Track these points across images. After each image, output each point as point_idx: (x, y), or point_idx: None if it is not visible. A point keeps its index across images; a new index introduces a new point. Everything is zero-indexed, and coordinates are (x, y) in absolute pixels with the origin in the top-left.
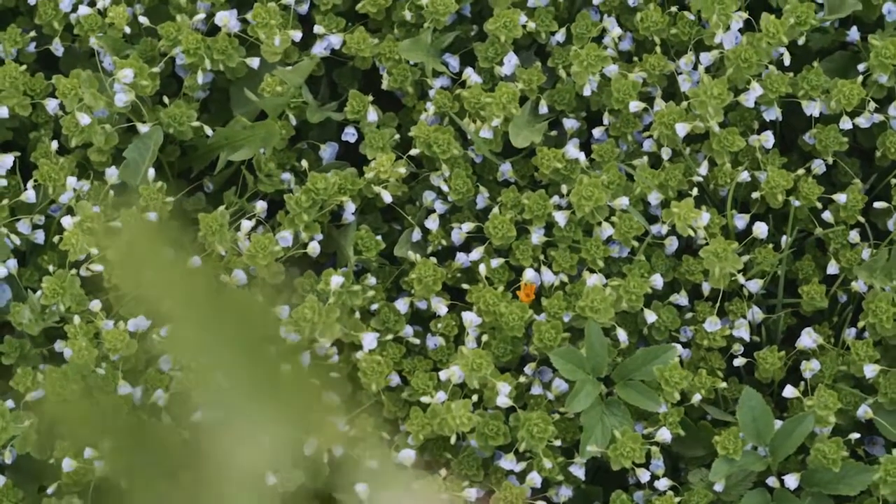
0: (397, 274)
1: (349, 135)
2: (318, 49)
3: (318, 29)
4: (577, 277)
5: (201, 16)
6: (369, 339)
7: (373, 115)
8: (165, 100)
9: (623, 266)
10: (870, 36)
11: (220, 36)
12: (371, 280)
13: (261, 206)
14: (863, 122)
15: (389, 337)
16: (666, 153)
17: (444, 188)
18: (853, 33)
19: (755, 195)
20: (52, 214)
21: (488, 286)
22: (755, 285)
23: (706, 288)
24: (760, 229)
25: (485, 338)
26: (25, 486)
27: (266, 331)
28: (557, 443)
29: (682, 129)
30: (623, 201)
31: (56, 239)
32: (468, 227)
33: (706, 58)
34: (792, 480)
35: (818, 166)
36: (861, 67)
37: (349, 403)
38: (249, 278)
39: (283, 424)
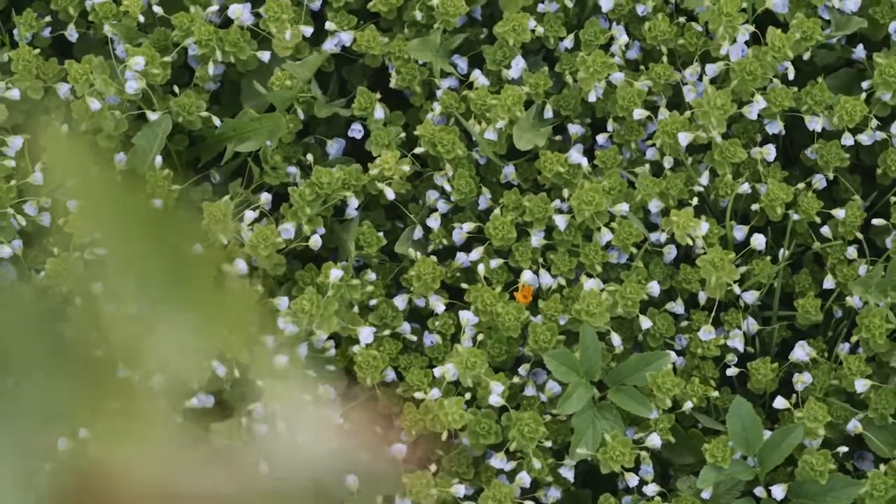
0: (397, 271)
1: (356, 131)
2: (329, 45)
3: (329, 25)
4: (575, 281)
5: (215, 7)
6: (366, 334)
7: (380, 112)
8: (176, 89)
9: (621, 272)
10: (875, 54)
11: (233, 28)
12: (371, 275)
13: (265, 197)
14: (865, 139)
15: (387, 332)
16: (668, 162)
17: (447, 188)
18: (859, 51)
19: (755, 207)
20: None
21: (486, 286)
22: (751, 296)
23: (702, 297)
24: (759, 241)
25: (481, 337)
26: None
27: (190, 240)
28: (548, 444)
29: (684, 138)
30: (623, 207)
31: (61, 221)
32: (469, 227)
33: (712, 69)
34: (779, 491)
35: (819, 181)
36: (865, 85)
37: (345, 396)
38: (251, 269)
39: (190, 331)
